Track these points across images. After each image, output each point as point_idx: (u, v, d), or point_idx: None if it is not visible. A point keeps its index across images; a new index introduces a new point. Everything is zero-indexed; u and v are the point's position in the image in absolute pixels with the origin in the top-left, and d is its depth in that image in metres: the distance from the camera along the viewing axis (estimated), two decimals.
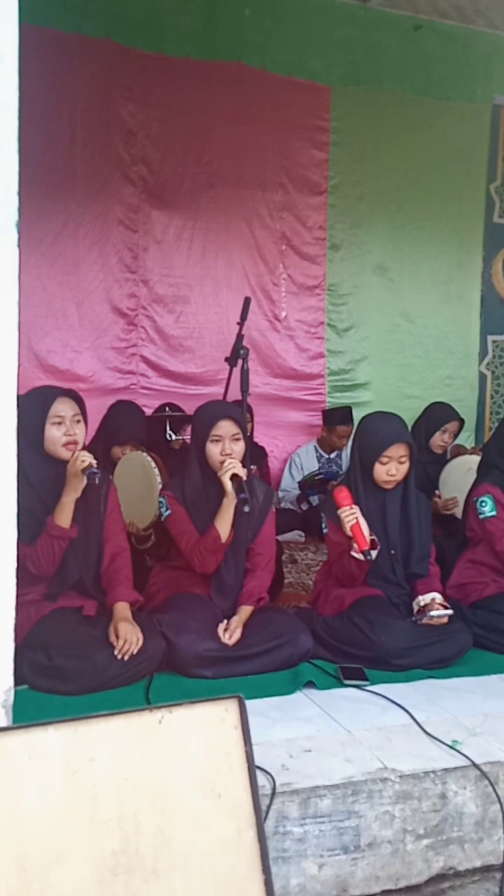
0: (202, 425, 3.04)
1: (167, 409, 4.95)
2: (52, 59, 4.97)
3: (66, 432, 2.77)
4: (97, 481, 2.73)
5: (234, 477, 2.91)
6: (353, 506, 2.97)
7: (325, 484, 5.60)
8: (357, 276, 6.25)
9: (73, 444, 2.78)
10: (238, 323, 4.03)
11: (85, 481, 2.73)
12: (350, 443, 5.76)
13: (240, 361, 3.81)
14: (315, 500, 5.58)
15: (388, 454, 3.07)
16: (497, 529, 3.31)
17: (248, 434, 4.62)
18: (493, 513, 3.31)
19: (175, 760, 1.76)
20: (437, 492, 4.41)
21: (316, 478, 5.59)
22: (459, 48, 6.25)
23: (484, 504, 3.33)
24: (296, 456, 5.84)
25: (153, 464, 3.58)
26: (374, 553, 2.95)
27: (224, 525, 2.94)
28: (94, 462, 2.73)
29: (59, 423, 2.78)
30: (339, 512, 2.97)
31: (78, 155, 5.42)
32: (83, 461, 2.71)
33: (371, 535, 2.96)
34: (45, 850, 1.62)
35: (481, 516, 3.33)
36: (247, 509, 2.91)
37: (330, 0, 5.83)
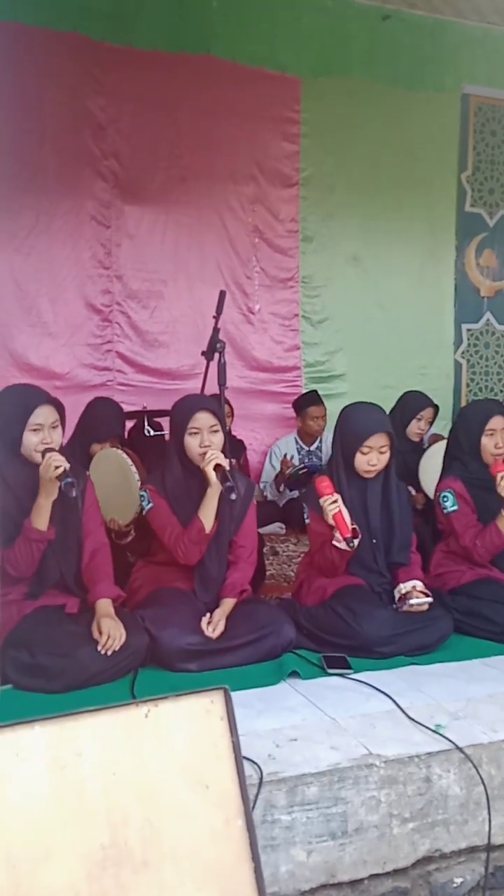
0: (180, 418, 3.05)
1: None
2: (19, 54, 4.93)
3: (42, 440, 2.77)
4: (74, 493, 2.69)
5: (218, 467, 2.93)
6: (335, 494, 3.00)
7: (310, 477, 5.61)
8: (330, 267, 6.26)
9: (48, 450, 2.76)
10: (214, 316, 4.03)
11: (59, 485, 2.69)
12: (329, 434, 5.81)
13: (216, 355, 3.82)
14: (295, 493, 5.59)
15: (368, 444, 3.10)
16: (459, 525, 3.35)
17: (227, 428, 4.64)
18: (455, 507, 3.35)
19: (162, 753, 1.77)
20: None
21: (300, 472, 5.61)
22: (428, 38, 6.25)
23: (446, 499, 3.37)
24: (276, 447, 5.85)
25: (129, 460, 3.57)
26: (355, 542, 2.97)
27: (208, 516, 2.95)
28: (68, 467, 2.69)
29: (38, 431, 2.78)
30: (321, 501, 2.99)
31: (47, 150, 5.38)
32: (56, 467, 2.67)
33: (352, 523, 2.98)
34: (34, 847, 1.62)
35: (445, 511, 3.38)
36: (234, 497, 2.93)
37: None
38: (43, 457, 2.71)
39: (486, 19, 6.33)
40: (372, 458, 3.12)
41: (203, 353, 4.03)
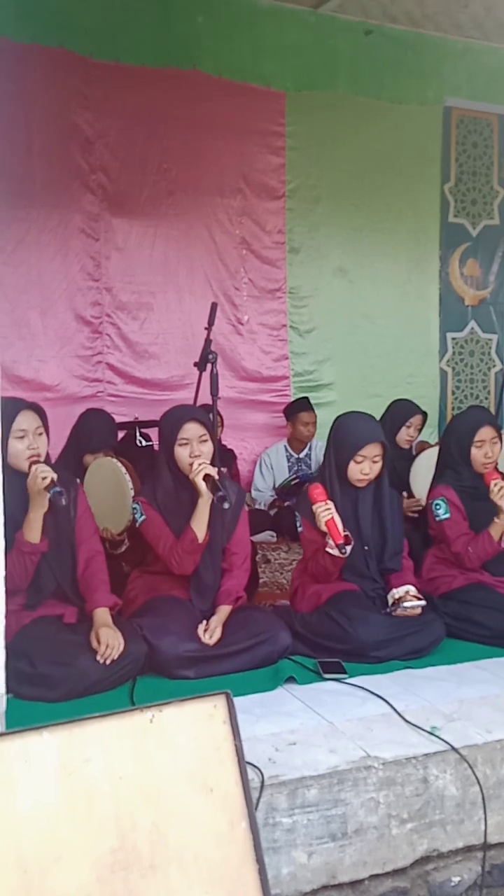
0: (168, 430, 3.08)
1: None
2: (7, 70, 4.97)
3: (29, 446, 2.76)
4: (63, 502, 2.70)
5: (207, 477, 2.96)
6: (328, 501, 3.04)
7: (301, 487, 5.66)
8: (317, 278, 6.33)
9: (35, 457, 2.76)
10: (206, 328, 4.08)
11: (48, 496, 2.69)
12: (318, 441, 5.87)
13: (209, 366, 3.87)
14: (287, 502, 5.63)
15: (362, 453, 3.14)
16: (452, 532, 3.39)
17: (218, 437, 4.70)
18: (447, 515, 3.40)
19: (167, 757, 1.81)
20: (403, 494, 4.49)
21: (292, 482, 5.64)
22: (410, 52, 6.37)
23: (438, 507, 3.42)
24: (265, 456, 5.90)
25: (123, 469, 3.60)
26: (347, 548, 3.01)
27: (200, 525, 2.99)
28: (55, 477, 2.70)
29: (23, 437, 2.77)
30: (314, 507, 3.03)
31: (36, 164, 5.41)
32: (44, 478, 2.68)
33: (345, 530, 3.03)
34: (44, 851, 1.65)
35: (437, 518, 3.43)
36: (226, 506, 2.96)
37: (282, 6, 5.90)
38: (29, 469, 2.71)
39: (466, 34, 6.47)
40: (365, 467, 3.16)
41: (195, 364, 4.08)
